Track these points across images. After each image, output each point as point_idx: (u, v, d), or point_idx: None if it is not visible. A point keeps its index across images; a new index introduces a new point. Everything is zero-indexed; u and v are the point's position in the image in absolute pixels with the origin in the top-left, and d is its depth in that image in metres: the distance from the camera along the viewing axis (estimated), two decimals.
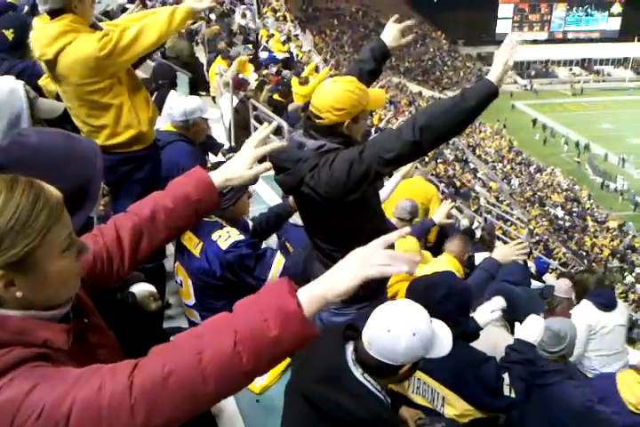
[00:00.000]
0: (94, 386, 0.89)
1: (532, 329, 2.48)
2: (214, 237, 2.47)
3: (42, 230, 0.96)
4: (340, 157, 2.02)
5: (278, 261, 2.46)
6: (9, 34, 3.30)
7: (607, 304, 4.01)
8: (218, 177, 1.47)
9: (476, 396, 2.25)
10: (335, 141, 2.12)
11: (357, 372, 1.70)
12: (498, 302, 2.67)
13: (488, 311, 2.63)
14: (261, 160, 1.57)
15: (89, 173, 1.48)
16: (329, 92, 2.12)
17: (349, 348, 1.77)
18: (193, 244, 2.53)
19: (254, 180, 2.92)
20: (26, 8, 4.16)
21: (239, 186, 1.55)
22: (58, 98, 2.78)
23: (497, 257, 3.14)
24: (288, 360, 2.71)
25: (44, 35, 2.54)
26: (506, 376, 2.28)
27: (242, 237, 2.48)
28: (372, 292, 2.42)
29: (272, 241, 3.66)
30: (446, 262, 3.86)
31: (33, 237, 0.95)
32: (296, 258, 2.58)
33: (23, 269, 0.96)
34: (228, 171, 1.49)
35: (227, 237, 2.46)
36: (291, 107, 8.13)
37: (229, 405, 2.52)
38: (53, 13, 2.53)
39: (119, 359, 1.16)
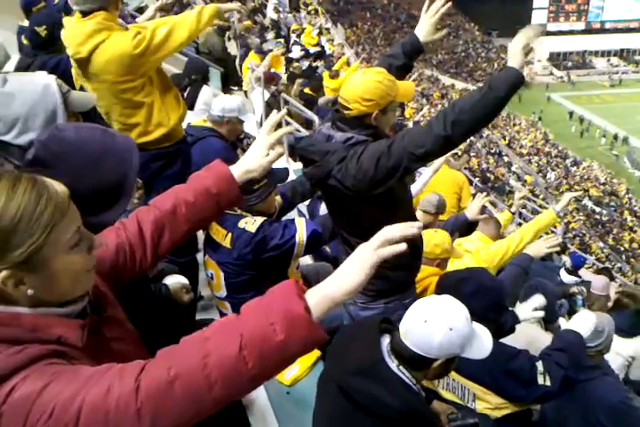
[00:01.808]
0: (103, 388, 0.89)
1: (583, 323, 2.44)
2: (241, 225, 2.52)
3: (46, 228, 0.95)
4: (369, 150, 2.01)
5: (299, 221, 2.56)
6: (41, 31, 3.37)
7: None
8: (238, 170, 1.48)
9: (508, 389, 2.22)
10: (363, 133, 2.11)
11: (393, 364, 1.70)
12: (539, 301, 2.63)
13: (530, 309, 2.59)
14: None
15: (125, 168, 1.51)
16: (358, 82, 2.11)
17: (385, 340, 1.77)
18: (221, 236, 2.57)
19: (285, 177, 2.95)
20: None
21: (260, 177, 1.56)
22: None
23: (529, 251, 3.08)
24: (318, 353, 2.74)
25: (77, 33, 2.57)
26: (539, 365, 2.23)
27: (264, 218, 2.57)
28: (398, 286, 2.41)
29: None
30: (478, 241, 3.83)
31: (38, 235, 0.94)
32: (324, 220, 2.61)
33: (31, 267, 0.95)
34: (247, 162, 1.50)
35: (253, 221, 2.52)
36: (321, 100, 8.12)
37: (260, 396, 2.54)
38: (87, 12, 2.57)
39: (136, 352, 1.18)
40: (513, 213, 4.56)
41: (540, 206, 12.78)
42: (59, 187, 1.01)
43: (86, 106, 1.90)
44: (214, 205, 1.44)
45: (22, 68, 3.35)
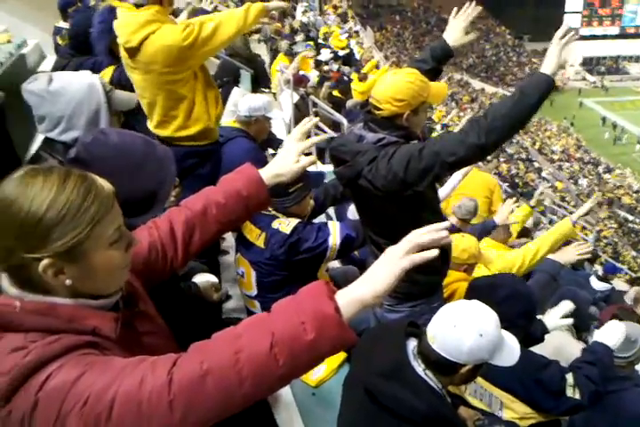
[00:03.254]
0: (136, 380, 0.91)
1: (613, 334, 2.39)
2: (275, 225, 2.53)
3: (91, 222, 0.99)
4: (400, 152, 2.01)
5: (333, 225, 2.57)
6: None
7: None
8: (267, 173, 1.49)
9: (536, 400, 2.18)
10: (394, 134, 2.10)
11: (419, 367, 1.69)
12: (567, 307, 2.58)
13: (558, 317, 2.55)
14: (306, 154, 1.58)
15: (162, 176, 1.54)
16: (389, 83, 2.11)
17: (411, 344, 1.76)
18: (255, 235, 2.59)
19: (321, 181, 2.94)
20: (92, 1, 4.29)
21: (289, 181, 1.57)
22: None
23: (558, 258, 3.02)
24: (344, 354, 2.73)
25: (131, 22, 2.62)
26: (570, 377, 2.19)
27: (298, 220, 2.58)
28: (425, 289, 2.39)
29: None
30: (488, 247, 3.80)
31: (82, 228, 0.98)
32: (357, 225, 2.61)
33: (72, 258, 0.99)
34: (277, 166, 1.51)
35: (287, 223, 2.53)
36: (349, 103, 8.12)
37: (286, 396, 2.54)
38: (140, 5, 2.62)
39: (167, 347, 1.20)
40: (532, 208, 4.48)
41: (571, 213, 12.57)
42: (106, 185, 1.06)
43: (128, 105, 1.95)
44: (244, 207, 1.46)
45: (58, 68, 3.41)
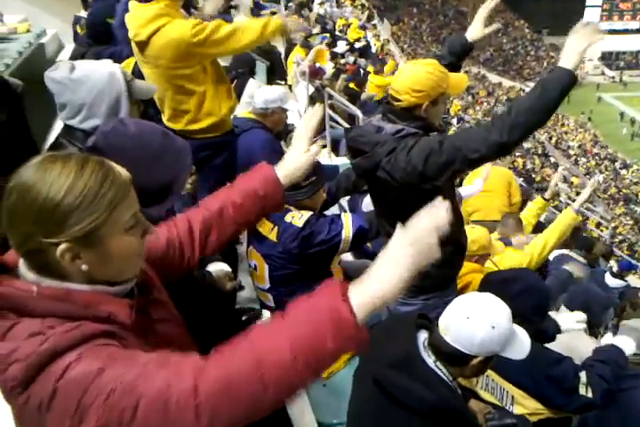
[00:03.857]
0: (163, 381, 0.91)
1: (629, 341, 2.38)
2: (287, 218, 2.53)
3: (108, 208, 1.00)
4: (419, 145, 2.00)
5: (346, 217, 2.56)
6: (111, 20, 3.43)
7: None
8: (283, 170, 1.48)
9: (548, 396, 2.17)
10: (413, 126, 2.09)
11: (430, 359, 1.70)
12: (582, 316, 2.58)
13: (573, 321, 2.54)
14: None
15: (178, 168, 1.56)
16: (408, 73, 2.11)
17: (422, 336, 1.77)
18: (267, 229, 2.59)
19: (334, 174, 2.93)
20: None
21: (304, 176, 1.57)
22: None
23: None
24: None
25: (140, 16, 2.64)
26: (583, 375, 2.19)
27: (310, 213, 2.58)
28: (439, 283, 2.38)
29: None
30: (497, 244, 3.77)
31: (99, 213, 0.99)
32: (370, 217, 2.60)
33: (89, 243, 1.00)
34: (291, 162, 1.50)
35: (299, 216, 2.53)
36: (364, 96, 8.09)
37: None
38: None
39: (181, 336, 1.23)
40: (547, 200, 4.34)
41: (587, 209, 12.45)
42: (123, 171, 1.07)
43: (148, 93, 1.97)
44: (260, 207, 1.47)
45: (76, 57, 3.43)
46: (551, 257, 4.56)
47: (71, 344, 0.93)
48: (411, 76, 2.08)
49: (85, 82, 1.80)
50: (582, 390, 2.15)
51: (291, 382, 0.95)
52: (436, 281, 2.36)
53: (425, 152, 1.97)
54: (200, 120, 2.86)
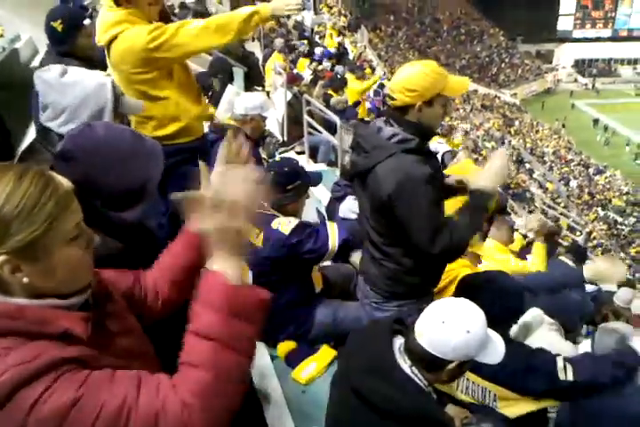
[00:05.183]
0: (148, 409, 0.93)
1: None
2: (275, 225, 2.53)
3: (47, 219, 0.97)
4: (412, 207, 2.07)
5: (332, 227, 2.58)
6: (57, 25, 3.26)
7: None
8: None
9: (528, 386, 2.16)
10: (409, 131, 2.12)
11: (405, 364, 1.71)
12: (537, 311, 2.62)
13: (529, 315, 2.56)
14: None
15: (150, 171, 1.55)
16: (405, 73, 2.12)
17: (397, 341, 1.77)
18: (252, 235, 2.59)
19: (318, 180, 2.93)
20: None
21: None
22: None
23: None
24: (334, 353, 2.74)
25: (103, 21, 2.62)
26: (559, 359, 2.17)
27: (298, 220, 2.59)
28: (413, 290, 2.37)
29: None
30: (494, 249, 3.80)
31: (38, 224, 0.96)
32: (353, 228, 2.61)
33: (29, 255, 0.97)
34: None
35: (287, 222, 2.54)
36: (333, 100, 8.09)
37: (276, 394, 2.55)
38: (118, 3, 2.59)
39: (141, 346, 1.22)
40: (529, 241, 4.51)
41: (562, 214, 12.65)
42: (64, 181, 1.05)
43: (136, 110, 1.97)
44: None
45: (45, 64, 3.36)
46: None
47: (34, 374, 0.90)
48: (406, 76, 2.10)
49: (73, 86, 1.80)
50: (562, 376, 2.13)
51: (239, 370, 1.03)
52: (410, 288, 2.36)
53: (415, 222, 2.06)
54: (166, 126, 2.80)
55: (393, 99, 2.13)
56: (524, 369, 2.15)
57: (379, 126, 2.19)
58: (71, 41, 3.28)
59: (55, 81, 1.79)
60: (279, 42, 10.15)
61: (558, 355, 2.21)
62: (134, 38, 2.56)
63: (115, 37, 2.59)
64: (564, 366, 2.14)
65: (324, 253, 2.53)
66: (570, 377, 2.12)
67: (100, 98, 1.81)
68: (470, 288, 2.28)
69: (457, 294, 2.30)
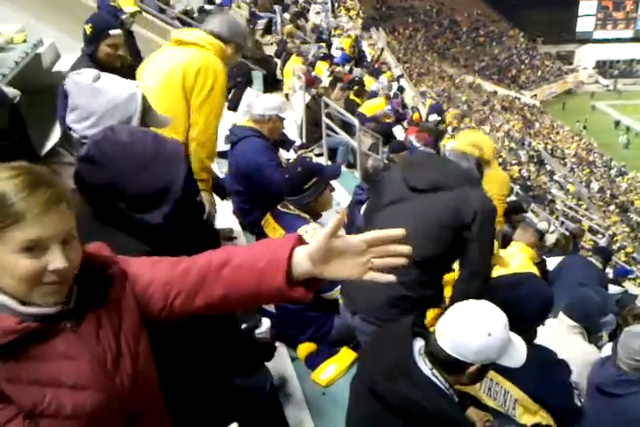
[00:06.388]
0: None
1: None
2: (301, 231, 2.53)
3: (6, 220, 0.93)
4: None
5: None
6: (87, 28, 3.40)
7: None
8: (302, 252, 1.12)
9: (546, 398, 2.15)
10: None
11: (426, 367, 1.70)
12: None
13: None
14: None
15: (172, 174, 1.55)
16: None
17: (417, 344, 1.76)
18: (277, 234, 2.60)
19: (337, 173, 2.93)
20: None
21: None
22: None
23: None
24: (354, 355, 2.73)
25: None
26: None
27: None
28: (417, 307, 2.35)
29: None
30: (519, 252, 3.76)
31: None
32: None
33: None
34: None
35: (313, 233, 2.53)
36: (334, 96, 8.01)
37: (296, 396, 2.55)
38: None
39: (81, 377, 1.04)
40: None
41: (583, 216, 12.49)
42: (58, 192, 0.99)
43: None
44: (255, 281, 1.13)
45: (78, 66, 3.43)
46: (550, 264, 4.57)
47: None
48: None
49: (105, 93, 1.81)
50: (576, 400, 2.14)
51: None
52: (415, 305, 2.33)
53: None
54: None
55: None
56: (547, 379, 2.13)
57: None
58: (95, 45, 3.40)
59: (87, 85, 1.81)
60: (297, 45, 10.17)
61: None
62: None
63: None
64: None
65: None
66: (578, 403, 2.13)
67: (128, 107, 1.83)
68: (501, 287, 2.27)
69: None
